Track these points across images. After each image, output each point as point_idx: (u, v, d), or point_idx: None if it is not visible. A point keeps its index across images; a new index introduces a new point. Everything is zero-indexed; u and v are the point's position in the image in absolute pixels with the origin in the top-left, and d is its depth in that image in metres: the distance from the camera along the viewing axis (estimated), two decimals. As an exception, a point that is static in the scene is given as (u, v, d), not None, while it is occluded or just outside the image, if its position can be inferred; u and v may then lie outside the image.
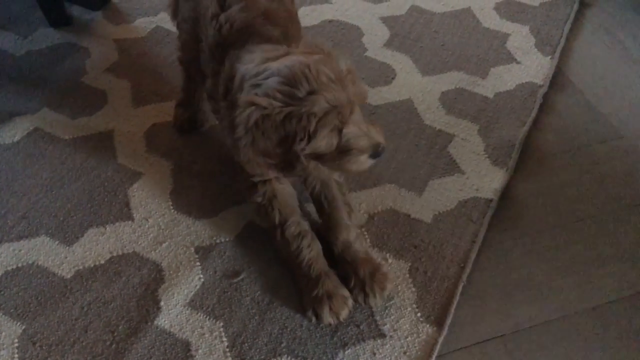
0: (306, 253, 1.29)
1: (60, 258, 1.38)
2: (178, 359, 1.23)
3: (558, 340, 1.28)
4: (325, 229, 1.36)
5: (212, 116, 1.66)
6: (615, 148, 1.69)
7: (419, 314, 1.30)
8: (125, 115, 1.71)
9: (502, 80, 1.86)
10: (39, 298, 1.31)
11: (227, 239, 1.42)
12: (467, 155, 1.63)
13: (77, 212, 1.47)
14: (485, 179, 1.57)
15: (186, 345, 1.24)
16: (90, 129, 1.67)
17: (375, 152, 1.17)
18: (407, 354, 1.24)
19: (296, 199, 1.38)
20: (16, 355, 1.22)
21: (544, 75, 1.88)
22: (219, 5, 1.32)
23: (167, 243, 1.41)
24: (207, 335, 1.26)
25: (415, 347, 1.25)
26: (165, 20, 2.01)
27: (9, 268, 1.36)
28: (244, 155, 1.17)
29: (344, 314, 1.26)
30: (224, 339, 1.25)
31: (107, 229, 1.44)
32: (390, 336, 1.26)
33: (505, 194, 1.55)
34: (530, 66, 1.91)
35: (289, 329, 1.27)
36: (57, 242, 1.41)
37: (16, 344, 1.24)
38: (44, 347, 1.23)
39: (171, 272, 1.36)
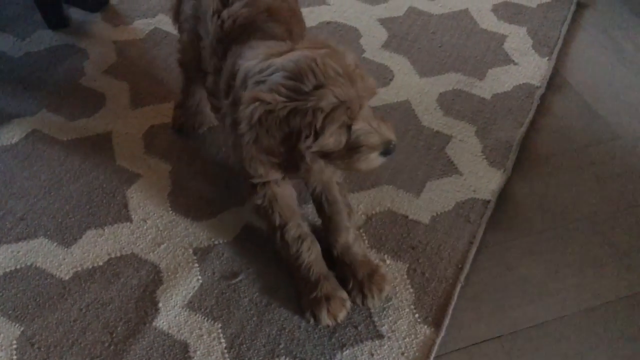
0: (305, 256, 1.28)
1: (58, 259, 1.38)
2: (176, 360, 1.23)
3: (556, 341, 1.29)
4: (325, 231, 1.36)
5: (211, 118, 1.67)
6: (612, 149, 1.69)
7: (416, 315, 1.30)
8: (123, 117, 1.71)
9: (499, 81, 1.86)
10: (38, 299, 1.31)
11: (225, 241, 1.43)
12: (464, 157, 1.63)
13: (75, 213, 1.47)
14: (482, 180, 1.57)
15: (184, 347, 1.24)
16: (88, 131, 1.67)
17: (386, 150, 1.13)
18: (405, 354, 1.24)
19: (296, 201, 1.36)
20: (15, 357, 1.22)
21: (541, 77, 1.88)
22: (221, 2, 1.30)
23: (165, 244, 1.41)
24: (205, 337, 1.26)
25: (413, 348, 1.25)
26: (163, 22, 2.02)
27: (8, 270, 1.36)
28: (247, 153, 1.14)
29: (341, 315, 1.26)
30: (222, 340, 1.26)
31: (106, 230, 1.44)
32: (388, 337, 1.27)
33: (503, 195, 1.56)
34: (528, 67, 1.92)
35: (287, 330, 1.27)
36: (55, 244, 1.41)
37: (15, 346, 1.24)
38: (42, 349, 1.24)
39: (169, 273, 1.36)
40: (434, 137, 1.68)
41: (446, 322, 1.29)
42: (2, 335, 1.26)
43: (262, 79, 1.09)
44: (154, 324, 1.28)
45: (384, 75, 1.86)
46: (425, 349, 1.25)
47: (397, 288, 1.34)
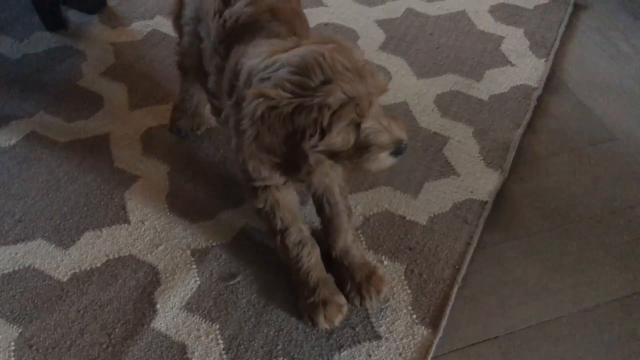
0: (305, 261, 1.27)
1: (56, 261, 1.38)
2: (174, 362, 1.23)
3: (553, 341, 1.29)
4: (325, 233, 1.35)
5: (209, 119, 1.67)
6: (609, 150, 1.70)
7: (414, 316, 1.30)
8: (121, 119, 1.71)
9: (496, 82, 1.87)
10: (36, 301, 1.31)
11: (223, 242, 1.43)
12: (462, 158, 1.64)
13: (73, 215, 1.47)
14: (480, 181, 1.58)
15: (182, 348, 1.25)
16: (86, 133, 1.67)
17: (397, 150, 1.08)
18: (403, 355, 1.24)
19: (298, 205, 1.33)
20: (13, 359, 1.22)
21: (539, 78, 1.89)
22: (222, 2, 1.27)
23: (163, 246, 1.42)
24: (203, 338, 1.26)
25: (410, 348, 1.25)
26: (161, 24, 2.02)
27: (5, 271, 1.36)
28: (247, 150, 1.09)
29: (337, 320, 1.26)
30: (220, 341, 1.26)
31: (104, 232, 1.44)
32: (386, 338, 1.27)
33: (500, 195, 1.56)
34: (525, 69, 1.92)
35: (284, 332, 1.28)
36: (53, 245, 1.41)
37: (13, 347, 1.24)
38: (40, 350, 1.24)
39: (167, 274, 1.36)
40: (431, 138, 1.69)
41: (443, 322, 1.29)
42: (0, 337, 1.26)
43: (267, 76, 1.04)
44: (152, 325, 1.28)
45: (382, 77, 1.86)
46: (422, 349, 1.25)
47: (394, 289, 1.35)
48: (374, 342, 1.26)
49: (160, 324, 1.28)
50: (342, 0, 2.17)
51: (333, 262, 1.33)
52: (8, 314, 1.29)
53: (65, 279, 1.35)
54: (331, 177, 1.28)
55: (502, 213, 1.53)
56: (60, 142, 1.64)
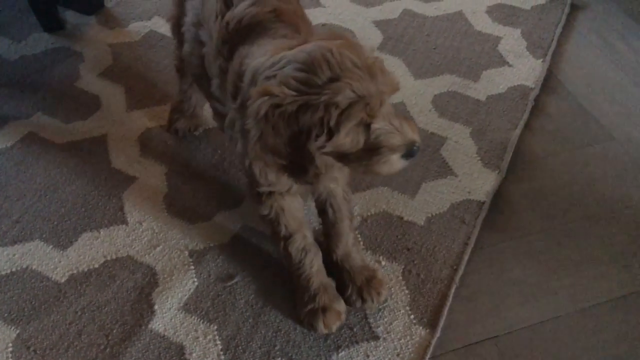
0: (307, 268, 1.26)
1: (54, 262, 1.38)
2: (172, 363, 1.23)
3: (550, 341, 1.29)
4: (326, 236, 1.33)
5: (206, 121, 1.67)
6: (606, 150, 1.70)
7: (412, 316, 1.31)
8: (119, 120, 1.71)
9: (494, 83, 1.87)
10: (33, 302, 1.31)
11: (221, 243, 1.43)
12: (459, 158, 1.64)
13: (71, 216, 1.47)
14: (477, 182, 1.58)
15: (180, 349, 1.25)
16: (84, 134, 1.67)
17: (409, 152, 1.03)
18: (401, 355, 1.24)
19: (303, 211, 1.29)
20: (10, 360, 1.23)
21: (536, 78, 1.89)
22: (225, 4, 1.23)
23: (161, 247, 1.42)
24: (201, 339, 1.26)
25: (408, 349, 1.26)
26: (159, 25, 2.02)
27: (3, 273, 1.36)
28: (251, 152, 1.04)
29: (336, 326, 1.27)
30: (218, 342, 1.26)
31: (101, 233, 1.44)
32: (384, 338, 1.27)
33: (498, 196, 1.56)
34: (522, 69, 1.92)
35: (282, 332, 1.28)
36: (51, 247, 1.41)
37: (10, 349, 1.24)
38: (38, 352, 1.24)
39: (165, 275, 1.36)
40: (429, 138, 1.69)
41: (441, 323, 1.29)
42: (-3, 338, 1.26)
43: (272, 74, 0.99)
44: (149, 326, 1.28)
45: (379, 77, 1.86)
46: (420, 350, 1.25)
47: (392, 289, 1.35)
48: (372, 343, 1.26)
49: (158, 324, 1.28)
50: (339, 1, 2.17)
51: (334, 265, 1.32)
52: (5, 315, 1.29)
53: (62, 280, 1.35)
54: (341, 180, 1.26)
55: (500, 213, 1.53)
56: (58, 143, 1.64)
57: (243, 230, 1.46)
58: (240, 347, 1.25)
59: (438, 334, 1.28)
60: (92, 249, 1.41)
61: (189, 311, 1.30)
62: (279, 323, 1.29)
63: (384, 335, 1.27)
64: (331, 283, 1.30)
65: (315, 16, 2.09)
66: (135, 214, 1.48)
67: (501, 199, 1.56)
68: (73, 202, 1.50)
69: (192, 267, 1.38)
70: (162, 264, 1.38)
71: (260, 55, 1.06)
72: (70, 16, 2.07)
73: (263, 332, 1.28)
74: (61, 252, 1.40)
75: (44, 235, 1.43)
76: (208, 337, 1.26)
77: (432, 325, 1.29)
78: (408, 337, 1.27)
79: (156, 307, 1.31)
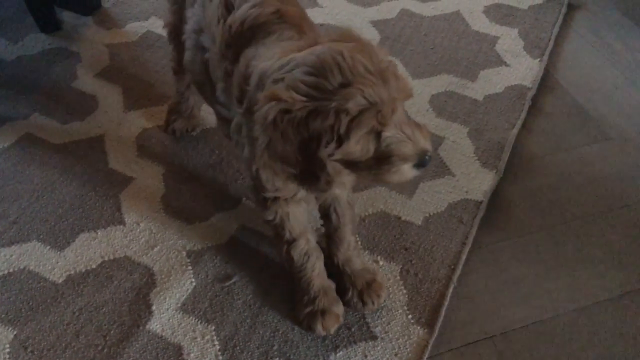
0: (308, 272, 1.26)
1: (51, 263, 1.38)
2: (170, 363, 1.23)
3: (548, 340, 1.29)
4: (328, 239, 1.32)
5: (203, 121, 1.67)
6: (604, 149, 1.71)
7: (410, 316, 1.31)
8: (116, 120, 1.71)
9: (491, 82, 1.87)
10: (31, 303, 1.31)
11: (218, 243, 1.43)
12: (457, 158, 1.64)
13: (68, 217, 1.47)
14: (475, 181, 1.58)
15: (178, 349, 1.24)
16: (81, 134, 1.67)
17: (421, 161, 0.99)
18: (399, 355, 1.24)
19: (307, 216, 1.26)
20: (8, 361, 1.22)
21: (533, 78, 1.89)
22: (226, 9, 1.20)
23: (158, 247, 1.41)
24: (199, 339, 1.26)
25: (406, 348, 1.26)
26: (156, 25, 2.02)
27: (0, 273, 1.36)
28: (260, 160, 1.00)
29: (334, 329, 1.27)
30: (216, 342, 1.26)
31: (99, 233, 1.44)
32: (382, 338, 1.27)
33: (495, 195, 1.56)
34: (519, 69, 1.93)
35: (280, 332, 1.28)
36: (48, 247, 1.41)
37: (7, 350, 1.24)
38: (35, 353, 1.23)
39: (163, 276, 1.36)
40: (426, 138, 1.69)
41: (439, 322, 1.29)
42: (-5, 339, 1.26)
43: (280, 77, 0.95)
44: (147, 326, 1.28)
45: (377, 77, 1.86)
46: (418, 349, 1.25)
47: (390, 289, 1.35)
48: (370, 343, 1.26)
49: (156, 325, 1.28)
50: (337, 1, 2.17)
51: (334, 268, 1.32)
52: (3, 316, 1.29)
53: (60, 281, 1.35)
54: (348, 186, 1.23)
55: (497, 213, 1.53)
56: (55, 143, 1.64)
57: (241, 230, 1.46)
58: (238, 348, 1.25)
59: (436, 334, 1.28)
60: (89, 250, 1.41)
61: (187, 311, 1.30)
62: (277, 323, 1.29)
63: (382, 335, 1.27)
64: (331, 286, 1.30)
65: (312, 16, 2.05)
66: (132, 214, 1.48)
67: (499, 199, 1.56)
68: (70, 203, 1.50)
69: (190, 267, 1.38)
70: (159, 264, 1.38)
71: (268, 58, 1.02)
72: (67, 17, 2.07)
73: (261, 332, 1.27)
74: (58, 252, 1.40)
75: (41, 236, 1.43)
76: (206, 338, 1.26)
77: (430, 324, 1.29)
78: (406, 337, 1.27)
79: (154, 307, 1.31)
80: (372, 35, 2.02)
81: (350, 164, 1.00)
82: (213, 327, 1.28)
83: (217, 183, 1.56)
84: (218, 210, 1.49)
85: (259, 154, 0.98)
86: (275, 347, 1.25)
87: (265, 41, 1.11)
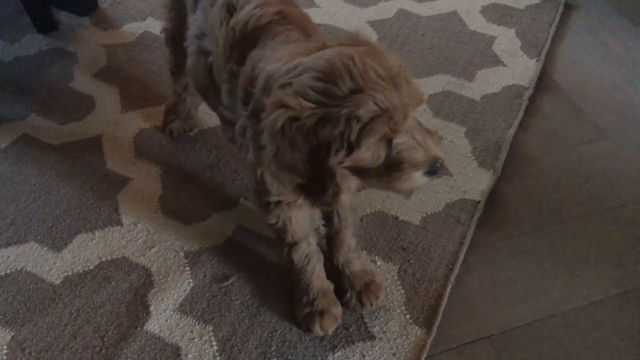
0: (308, 274, 1.25)
1: (49, 264, 1.38)
2: (168, 364, 1.23)
3: (546, 340, 1.30)
4: (329, 241, 1.31)
5: (201, 121, 1.67)
6: (601, 149, 1.71)
7: (407, 316, 1.31)
8: (113, 121, 1.71)
9: (488, 82, 1.88)
10: (28, 304, 1.31)
11: (216, 244, 1.43)
12: (454, 158, 1.64)
13: (65, 217, 1.47)
14: (472, 181, 1.58)
15: (176, 350, 1.24)
16: (78, 135, 1.67)
17: (432, 168, 0.97)
18: (397, 355, 1.25)
19: (311, 220, 1.26)
20: (5, 362, 1.22)
21: (530, 78, 1.90)
22: (228, 12, 1.18)
23: (156, 248, 1.41)
24: (196, 340, 1.26)
25: (404, 348, 1.26)
26: (153, 26, 2.02)
27: (-2, 275, 1.36)
28: (267, 169, 0.98)
29: (332, 329, 1.27)
30: (214, 343, 1.26)
31: (96, 234, 1.44)
32: (380, 338, 1.27)
33: (492, 195, 1.57)
34: (516, 69, 1.93)
35: (278, 333, 1.28)
36: (45, 248, 1.41)
37: (5, 351, 1.23)
38: (33, 354, 1.23)
39: (160, 276, 1.36)
40: (423, 138, 1.69)
41: (437, 322, 1.30)
42: (-8, 340, 1.25)
43: (288, 81, 0.92)
44: (145, 327, 1.28)
45: (374, 77, 1.86)
46: (416, 349, 1.26)
47: (388, 289, 1.35)
48: (368, 343, 1.26)
49: (154, 326, 1.28)
50: (334, 1, 2.17)
51: (334, 269, 1.32)
52: (0, 317, 1.29)
53: (57, 282, 1.35)
54: (349, 190, 1.21)
55: (495, 212, 1.53)
56: (52, 144, 1.64)
57: (238, 231, 1.46)
58: (236, 348, 1.25)
59: (434, 333, 1.28)
60: (87, 251, 1.41)
61: (185, 312, 1.30)
62: (274, 324, 1.29)
63: (380, 335, 1.27)
64: (330, 287, 1.30)
65: (310, 16, 2.08)
66: (130, 215, 1.48)
67: (496, 198, 1.56)
68: (68, 204, 1.50)
69: (188, 268, 1.38)
70: (157, 265, 1.38)
71: (275, 60, 0.99)
72: (64, 17, 2.06)
73: (259, 332, 1.27)
74: (56, 253, 1.40)
75: (38, 237, 1.43)
76: (204, 338, 1.26)
77: (428, 324, 1.29)
78: (404, 337, 1.27)
79: (151, 308, 1.31)
80: (369, 36, 2.02)
81: (359, 171, 0.98)
82: (211, 328, 1.28)
83: (215, 183, 1.56)
84: (216, 211, 1.49)
85: (266, 162, 0.95)
86: (273, 348, 1.25)
87: (272, 43, 1.09)
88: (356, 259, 1.32)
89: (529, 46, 2.02)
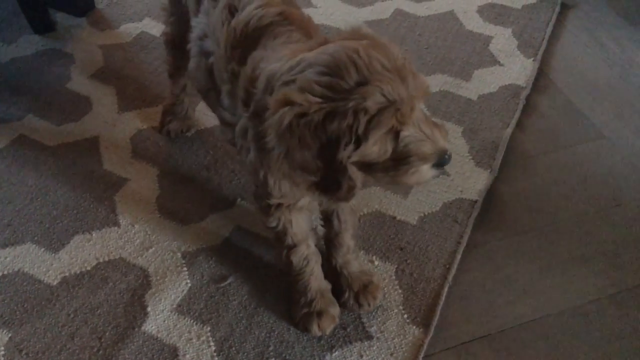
0: (307, 275, 1.25)
1: (46, 265, 1.38)
2: (166, 364, 1.23)
3: (543, 339, 1.30)
4: (328, 242, 1.31)
5: (198, 122, 1.67)
6: (597, 148, 1.71)
7: (405, 316, 1.31)
8: (110, 121, 1.71)
9: (485, 82, 1.88)
10: (25, 305, 1.31)
11: (213, 244, 1.43)
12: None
13: (62, 218, 1.47)
14: (469, 181, 1.58)
15: (174, 351, 1.24)
16: (75, 136, 1.66)
17: (440, 161, 0.95)
18: (394, 355, 1.25)
19: (311, 222, 1.26)
20: (2, 364, 1.22)
21: (527, 77, 1.90)
22: (229, 13, 1.17)
23: (153, 248, 1.41)
24: (194, 340, 1.26)
25: (402, 348, 1.26)
26: (150, 26, 2.02)
27: (-5, 276, 1.36)
28: (277, 172, 0.96)
29: (330, 329, 1.27)
30: (212, 343, 1.26)
31: (94, 235, 1.44)
32: (377, 338, 1.27)
33: (490, 195, 1.57)
34: (513, 68, 1.93)
35: (276, 333, 1.28)
36: (43, 249, 1.41)
37: (2, 352, 1.23)
38: (30, 355, 1.23)
39: (158, 277, 1.36)
40: (421, 138, 1.69)
41: (434, 322, 1.30)
42: (-11, 341, 1.25)
43: (291, 78, 0.91)
44: (142, 328, 1.28)
45: (371, 77, 1.87)
46: (414, 349, 1.26)
47: (385, 289, 1.35)
48: (366, 342, 1.26)
49: (151, 326, 1.28)
50: (331, 1, 2.17)
51: (332, 269, 1.32)
52: (-3, 318, 1.29)
53: (55, 283, 1.34)
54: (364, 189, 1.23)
55: (492, 212, 1.54)
56: (49, 145, 1.64)
57: (236, 231, 1.46)
58: (233, 348, 1.25)
59: (431, 333, 1.28)
60: (84, 252, 1.40)
61: (182, 313, 1.30)
62: (272, 324, 1.29)
63: (378, 335, 1.28)
64: (328, 287, 1.30)
65: (306, 16, 2.08)
66: (127, 215, 1.48)
67: (493, 198, 1.57)
68: (65, 205, 1.50)
69: (185, 268, 1.38)
70: (154, 265, 1.38)
71: (276, 60, 0.98)
72: (61, 18, 2.06)
73: (257, 332, 1.27)
74: (53, 254, 1.40)
75: (35, 238, 1.43)
76: (201, 339, 1.26)
77: (425, 324, 1.29)
78: (402, 337, 1.27)
79: (149, 309, 1.31)
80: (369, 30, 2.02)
81: (367, 167, 0.96)
82: (209, 328, 1.28)
83: (212, 184, 1.56)
84: (213, 211, 1.49)
85: (277, 164, 0.93)
86: (271, 348, 1.25)
87: (273, 44, 1.08)
88: (354, 260, 1.32)
89: (526, 46, 2.02)
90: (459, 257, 1.42)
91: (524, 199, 1.57)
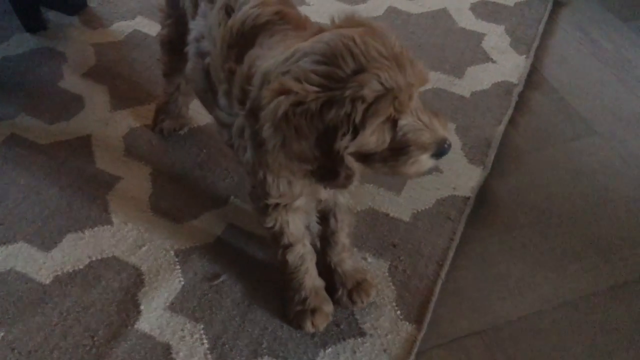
0: (301, 274, 1.24)
1: (38, 264, 1.37)
2: (159, 362, 1.23)
3: (536, 334, 1.30)
4: (323, 240, 1.31)
5: (191, 120, 1.67)
6: (590, 145, 1.72)
7: (398, 312, 1.31)
8: (103, 120, 1.70)
9: (478, 79, 1.88)
10: (18, 304, 1.30)
11: (206, 242, 1.43)
12: (444, 154, 1.64)
13: (55, 217, 1.46)
14: (462, 177, 1.59)
15: (167, 348, 1.24)
16: (67, 134, 1.66)
17: (440, 150, 0.94)
18: (387, 351, 1.25)
19: (307, 221, 1.25)
20: (-5, 363, 1.22)
21: (520, 74, 1.91)
22: (226, 13, 1.16)
23: (146, 247, 1.41)
24: (187, 338, 1.26)
25: (395, 344, 1.26)
26: (142, 24, 2.01)
27: (-13, 275, 1.35)
28: (274, 162, 0.93)
29: (323, 326, 1.27)
30: (205, 341, 1.26)
31: (86, 233, 1.43)
32: (371, 334, 1.27)
33: (483, 191, 1.57)
34: (506, 65, 1.94)
35: (269, 330, 1.28)
36: (35, 248, 1.40)
37: (-5, 351, 1.23)
38: (23, 354, 1.23)
39: (151, 275, 1.36)
40: (414, 135, 1.69)
41: (427, 318, 1.30)
42: (-19, 341, 1.25)
43: (287, 69, 0.89)
44: (135, 326, 1.27)
45: (364, 75, 1.87)
46: (407, 345, 1.26)
47: (379, 286, 1.35)
48: (359, 339, 1.27)
49: (145, 324, 1.28)
50: (324, -1, 2.17)
51: (326, 267, 1.32)
52: (-10, 317, 1.28)
53: (47, 282, 1.34)
54: (344, 192, 1.22)
55: (485, 209, 1.54)
56: (41, 144, 1.63)
57: (229, 229, 1.45)
58: (227, 346, 1.25)
59: (425, 329, 1.28)
60: (76, 250, 1.40)
61: (175, 311, 1.30)
62: (265, 321, 1.29)
63: (371, 332, 1.28)
64: (321, 285, 1.30)
65: (299, 14, 2.08)
66: (120, 214, 1.47)
67: (486, 195, 1.57)
68: (57, 203, 1.49)
69: (178, 266, 1.38)
70: (147, 264, 1.38)
71: (272, 57, 0.97)
72: (53, 16, 2.05)
73: (250, 330, 1.27)
74: (45, 253, 1.39)
75: (27, 237, 1.42)
76: (195, 337, 1.26)
77: (418, 320, 1.30)
78: (395, 333, 1.28)
79: (142, 307, 1.30)
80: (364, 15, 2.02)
81: (364, 157, 0.94)
82: (202, 326, 1.28)
83: (205, 182, 1.55)
84: (206, 210, 1.49)
85: (273, 155, 0.91)
86: (264, 345, 1.25)
87: (269, 42, 1.06)
88: (349, 258, 1.32)
89: (519, 43, 2.03)
90: (451, 253, 1.42)
91: (517, 195, 1.58)
